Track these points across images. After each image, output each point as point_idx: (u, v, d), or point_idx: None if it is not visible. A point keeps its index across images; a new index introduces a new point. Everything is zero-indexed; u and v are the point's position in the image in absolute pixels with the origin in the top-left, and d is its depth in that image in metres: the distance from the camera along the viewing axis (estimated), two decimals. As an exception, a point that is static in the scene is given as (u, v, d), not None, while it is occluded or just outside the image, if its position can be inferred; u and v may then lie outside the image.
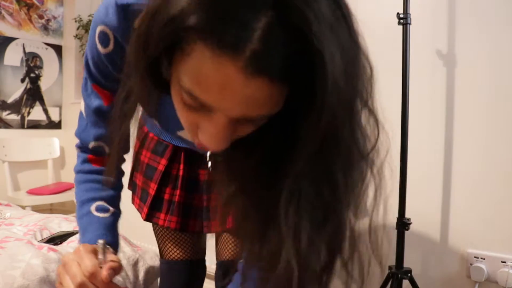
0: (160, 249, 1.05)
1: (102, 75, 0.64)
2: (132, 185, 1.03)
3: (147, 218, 0.95)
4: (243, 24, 0.35)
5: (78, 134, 0.74)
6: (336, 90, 0.37)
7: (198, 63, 0.37)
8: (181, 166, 0.93)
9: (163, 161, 0.92)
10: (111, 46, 0.59)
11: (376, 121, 0.47)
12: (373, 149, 0.47)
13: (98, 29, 0.59)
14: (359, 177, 0.48)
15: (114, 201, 0.75)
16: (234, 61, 0.36)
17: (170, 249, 1.02)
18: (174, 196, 0.94)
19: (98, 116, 0.69)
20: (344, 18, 0.40)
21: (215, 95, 0.38)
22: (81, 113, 0.72)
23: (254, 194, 0.50)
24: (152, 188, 0.94)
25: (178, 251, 1.02)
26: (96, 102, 0.67)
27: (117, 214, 0.75)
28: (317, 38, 0.35)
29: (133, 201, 1.01)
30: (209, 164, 0.61)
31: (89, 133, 0.71)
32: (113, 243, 0.71)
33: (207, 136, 0.43)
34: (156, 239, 1.05)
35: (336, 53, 0.37)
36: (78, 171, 0.75)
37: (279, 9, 0.35)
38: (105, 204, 0.72)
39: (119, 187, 0.79)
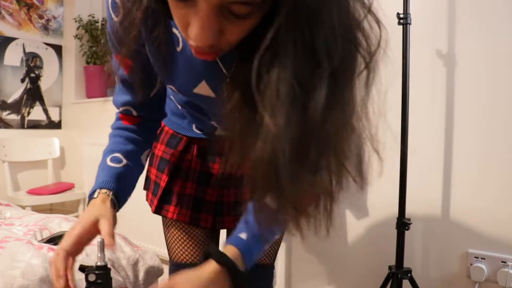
0: (168, 250, 1.00)
1: (120, 44, 0.67)
2: (146, 182, 1.01)
3: (156, 211, 0.94)
4: None
5: (113, 99, 0.83)
6: None
7: None
8: (194, 159, 0.92)
9: (176, 153, 0.92)
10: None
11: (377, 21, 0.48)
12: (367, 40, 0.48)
13: None
14: (349, 64, 0.48)
15: (131, 155, 0.80)
16: None
17: (179, 249, 0.97)
18: (185, 189, 0.92)
19: (123, 84, 0.78)
20: None
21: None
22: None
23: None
24: (164, 180, 0.93)
25: (188, 252, 0.96)
26: (120, 71, 0.75)
27: (130, 166, 0.79)
28: None
29: (146, 198, 1.00)
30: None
31: (118, 98, 0.81)
32: (116, 190, 0.74)
33: (194, 29, 0.46)
34: (165, 239, 1.00)
35: None
36: (111, 127, 0.84)
37: None
38: (120, 156, 0.78)
39: (144, 142, 0.84)
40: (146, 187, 1.01)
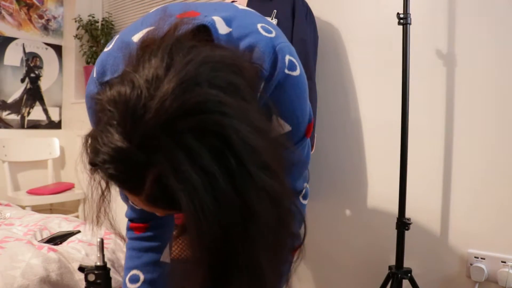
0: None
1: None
2: None
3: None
4: (139, 178, 0.44)
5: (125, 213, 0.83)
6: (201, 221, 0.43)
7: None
8: None
9: None
10: None
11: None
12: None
13: None
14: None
15: (149, 265, 0.81)
16: (138, 197, 0.46)
17: (175, 246, 0.99)
18: None
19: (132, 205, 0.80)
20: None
21: (137, 203, 0.50)
22: None
23: None
24: None
25: (183, 247, 0.99)
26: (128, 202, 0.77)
27: (147, 280, 0.80)
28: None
29: None
30: None
31: (128, 214, 0.82)
32: None
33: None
34: None
35: (196, 194, 0.42)
36: (126, 236, 0.85)
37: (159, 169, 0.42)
38: (138, 273, 0.80)
39: (162, 242, 0.84)
40: None
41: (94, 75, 0.63)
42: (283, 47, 0.61)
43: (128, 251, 0.82)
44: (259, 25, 0.62)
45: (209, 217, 0.41)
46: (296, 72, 0.62)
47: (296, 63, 0.63)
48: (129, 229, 0.83)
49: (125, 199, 0.73)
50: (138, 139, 0.41)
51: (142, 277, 0.80)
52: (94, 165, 0.45)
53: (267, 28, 0.62)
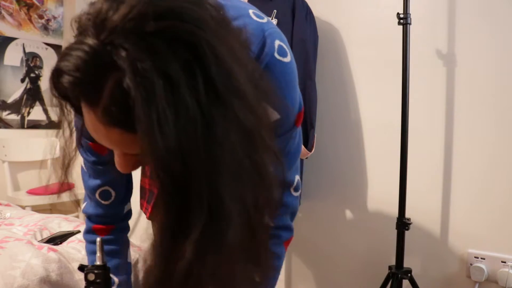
0: None
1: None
2: (141, 192, 1.02)
3: (151, 217, 0.95)
4: (100, 82, 0.41)
5: (83, 208, 0.79)
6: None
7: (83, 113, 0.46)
8: None
9: None
10: None
11: None
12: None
13: None
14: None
15: (120, 269, 0.79)
16: (95, 113, 0.43)
17: None
18: None
19: (95, 166, 0.73)
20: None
21: (96, 138, 0.46)
22: (82, 168, 0.75)
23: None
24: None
25: None
26: (91, 157, 0.72)
27: (122, 282, 0.79)
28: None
29: (141, 206, 1.02)
30: None
31: (89, 185, 0.75)
32: None
33: (116, 163, 0.50)
34: None
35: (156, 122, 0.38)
36: (84, 239, 0.81)
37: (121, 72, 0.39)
38: (112, 277, 0.75)
39: (124, 247, 0.82)
40: (141, 196, 1.03)
41: None
42: (273, 32, 0.60)
43: (92, 255, 0.77)
44: (251, 11, 0.61)
45: (165, 129, 0.37)
46: (287, 59, 0.60)
47: (287, 50, 0.61)
48: (90, 231, 0.79)
49: (84, 151, 0.70)
50: (105, 35, 0.39)
51: (116, 280, 0.78)
52: (58, 73, 0.42)
53: (258, 14, 0.62)
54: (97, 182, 0.74)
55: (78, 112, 0.47)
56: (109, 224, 0.79)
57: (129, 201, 0.82)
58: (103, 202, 0.76)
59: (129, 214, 0.84)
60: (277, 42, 0.60)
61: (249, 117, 0.42)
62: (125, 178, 0.77)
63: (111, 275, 0.74)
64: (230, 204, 0.42)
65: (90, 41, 0.40)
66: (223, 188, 0.41)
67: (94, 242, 0.75)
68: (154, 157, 0.39)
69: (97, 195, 0.76)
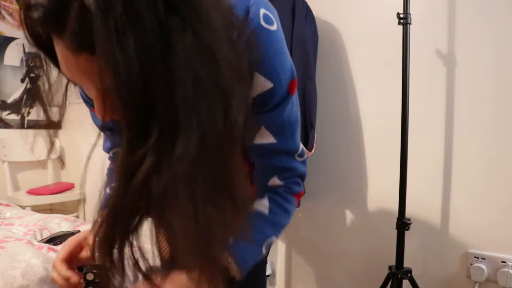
0: (158, 249, 1.04)
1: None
2: None
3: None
4: (64, 8, 0.42)
5: (102, 146, 0.86)
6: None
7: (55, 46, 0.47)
8: None
9: None
10: None
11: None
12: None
13: None
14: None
15: None
16: (63, 42, 0.44)
17: (166, 245, 1.01)
18: None
19: (105, 131, 0.81)
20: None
21: (65, 71, 0.49)
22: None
23: None
24: None
25: None
26: (100, 122, 0.75)
27: None
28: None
29: None
30: None
31: (105, 146, 0.85)
32: None
33: (96, 111, 0.52)
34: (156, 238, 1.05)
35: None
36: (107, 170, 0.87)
37: None
38: None
39: None
40: None
41: None
42: (259, 1, 0.60)
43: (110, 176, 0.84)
44: None
45: (122, 39, 0.38)
46: (274, 27, 0.60)
47: (273, 18, 0.61)
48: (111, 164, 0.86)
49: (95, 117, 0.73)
50: None
51: None
52: (28, 8, 0.44)
53: None
54: (108, 144, 0.84)
55: (55, 62, 0.50)
56: None
57: None
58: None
59: None
60: (262, 10, 0.59)
61: (211, 41, 0.43)
62: None
63: None
64: (184, 115, 0.42)
65: None
66: (177, 97, 0.42)
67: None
68: (112, 67, 0.39)
69: (111, 155, 0.86)
